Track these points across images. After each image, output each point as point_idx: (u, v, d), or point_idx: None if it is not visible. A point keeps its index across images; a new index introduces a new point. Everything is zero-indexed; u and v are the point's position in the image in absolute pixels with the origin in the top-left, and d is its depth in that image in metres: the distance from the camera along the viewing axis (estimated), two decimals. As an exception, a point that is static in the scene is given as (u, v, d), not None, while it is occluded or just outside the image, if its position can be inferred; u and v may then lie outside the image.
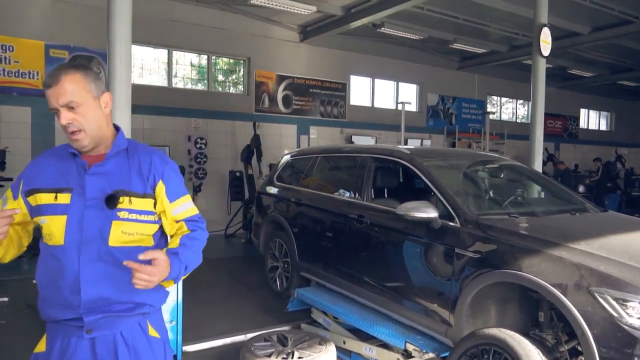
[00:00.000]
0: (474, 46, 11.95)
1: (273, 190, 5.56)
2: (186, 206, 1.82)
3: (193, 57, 10.38)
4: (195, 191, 8.52)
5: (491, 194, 4.12)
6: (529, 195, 4.44)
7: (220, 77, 10.89)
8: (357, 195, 4.24)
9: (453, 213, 3.30)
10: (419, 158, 3.92)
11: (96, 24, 8.53)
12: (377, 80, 12.81)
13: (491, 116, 13.06)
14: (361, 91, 12.58)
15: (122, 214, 1.66)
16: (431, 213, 3.29)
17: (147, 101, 9.06)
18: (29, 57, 8.09)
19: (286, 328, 4.41)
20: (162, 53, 9.86)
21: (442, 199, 3.44)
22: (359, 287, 3.99)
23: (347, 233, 4.16)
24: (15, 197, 1.73)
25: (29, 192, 1.70)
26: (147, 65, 9.83)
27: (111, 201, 1.65)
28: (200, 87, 10.44)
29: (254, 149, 9.30)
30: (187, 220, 1.81)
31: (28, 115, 8.16)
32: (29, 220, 1.75)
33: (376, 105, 12.81)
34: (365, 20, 9.57)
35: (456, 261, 3.12)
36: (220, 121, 10.01)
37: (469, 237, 3.12)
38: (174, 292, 3.60)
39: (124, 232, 1.67)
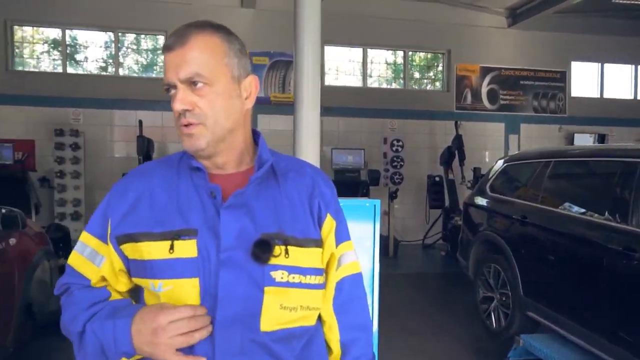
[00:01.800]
0: None
1: (485, 202, 4.55)
2: (350, 256, 1.13)
3: (388, 55, 9.85)
4: (391, 198, 7.91)
5: None
6: None
7: (417, 75, 10.14)
8: (618, 217, 3.02)
9: None
10: None
11: (289, 27, 8.60)
12: (606, 65, 10.53)
13: None
14: (585, 80, 10.47)
15: (278, 276, 0.98)
16: None
17: (341, 102, 8.82)
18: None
19: (508, 384, 3.42)
20: (357, 52, 9.54)
21: None
22: (626, 351, 2.78)
23: (605, 270, 2.97)
24: (104, 240, 1.07)
25: (122, 239, 1.03)
26: (342, 67, 9.63)
27: (263, 251, 0.97)
28: (395, 86, 9.86)
29: (455, 151, 8.31)
30: (346, 300, 1.12)
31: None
32: (125, 280, 1.09)
33: (606, 95, 10.54)
34: (596, -9, 7.79)
35: None
36: (417, 121, 9.27)
37: None
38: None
39: (284, 306, 0.99)
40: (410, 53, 9.84)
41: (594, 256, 3.06)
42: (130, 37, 8.91)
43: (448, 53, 9.67)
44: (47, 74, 8.39)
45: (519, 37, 9.81)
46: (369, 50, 9.55)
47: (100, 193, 7.83)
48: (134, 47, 9.04)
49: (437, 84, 10.01)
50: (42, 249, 3.51)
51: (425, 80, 10.18)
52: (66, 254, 6.15)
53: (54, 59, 8.59)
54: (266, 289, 0.97)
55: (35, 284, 3.51)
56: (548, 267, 3.55)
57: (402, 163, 8.05)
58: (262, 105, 8.42)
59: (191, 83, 0.99)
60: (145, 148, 6.92)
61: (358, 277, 1.15)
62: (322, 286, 1.06)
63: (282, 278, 0.99)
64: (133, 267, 1.04)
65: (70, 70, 8.58)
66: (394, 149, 8.04)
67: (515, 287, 3.85)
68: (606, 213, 3.12)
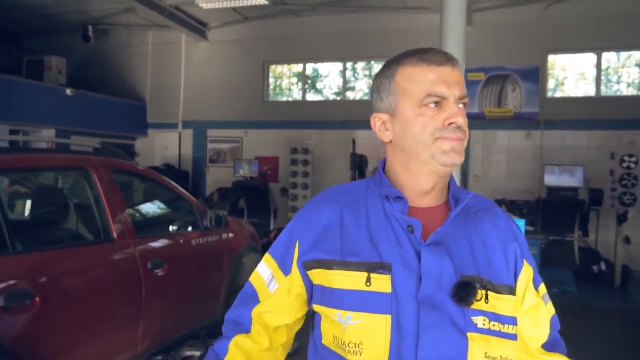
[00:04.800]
0: None
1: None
2: (548, 298, 1.08)
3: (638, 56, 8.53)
4: (619, 221, 6.88)
5: None
6: None
7: None
8: None
9: None
10: None
11: (507, 40, 8.34)
12: None
13: None
14: None
15: (479, 322, 0.93)
16: None
17: (567, 115, 8.11)
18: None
19: None
20: (591, 58, 8.58)
21: None
22: None
23: None
24: (286, 271, 1.05)
25: (312, 264, 1.01)
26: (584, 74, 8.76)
27: (468, 294, 0.93)
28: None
29: None
30: (555, 340, 1.07)
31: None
32: (298, 305, 1.06)
33: None
34: None
35: None
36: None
37: None
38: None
39: (489, 355, 0.93)
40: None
41: None
42: (360, 65, 10.03)
43: None
44: (290, 102, 10.16)
45: None
46: (604, 54, 8.49)
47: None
48: (365, 72, 10.11)
49: None
50: (249, 244, 4.52)
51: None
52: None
53: (298, 89, 10.32)
54: (469, 334, 0.92)
55: (247, 272, 4.55)
56: None
57: (634, 182, 6.95)
58: (476, 121, 8.39)
59: (459, 102, 0.98)
60: (357, 164, 7.76)
61: (556, 318, 1.09)
62: (516, 337, 0.98)
63: (483, 324, 0.93)
64: (318, 294, 1.00)
65: (309, 97, 10.18)
66: (624, 165, 7.00)
67: None
68: None
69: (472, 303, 0.92)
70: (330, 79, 10.16)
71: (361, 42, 9.23)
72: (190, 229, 3.83)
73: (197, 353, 3.51)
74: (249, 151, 9.86)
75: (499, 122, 8.52)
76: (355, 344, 0.94)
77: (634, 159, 7.00)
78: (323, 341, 1.00)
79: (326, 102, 9.98)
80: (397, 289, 0.93)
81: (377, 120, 1.06)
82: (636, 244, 7.48)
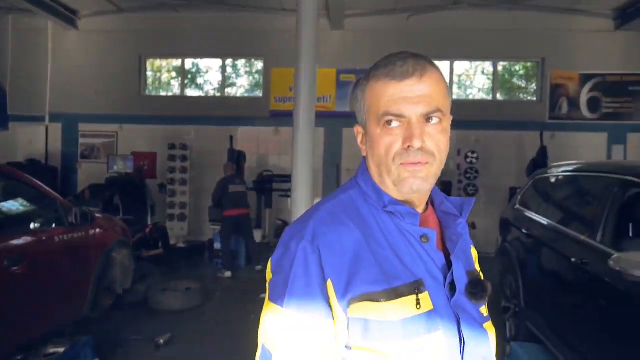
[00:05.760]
0: None
1: (511, 215, 4.62)
2: None
3: (487, 66, 9.78)
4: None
5: None
6: None
7: (522, 84, 9.93)
8: (592, 233, 3.06)
9: None
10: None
11: (374, 44, 9.11)
12: None
13: None
14: None
15: (484, 311, 0.98)
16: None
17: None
18: (322, 84, 9.22)
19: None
20: (445, 65, 9.68)
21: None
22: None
23: (576, 284, 3.05)
24: (326, 313, 0.87)
25: (357, 299, 0.87)
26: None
27: (483, 291, 0.95)
28: (490, 97, 9.78)
29: (540, 163, 8.05)
30: None
31: (322, 135, 9.29)
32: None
33: None
34: None
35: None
36: (506, 133, 9.10)
37: None
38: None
39: (495, 338, 0.99)
40: (503, 64, 9.70)
41: (570, 269, 3.13)
42: (241, 62, 10.20)
43: (542, 61, 9.34)
44: (168, 97, 10.04)
45: (630, 40, 9.09)
46: (456, 62, 9.63)
47: (203, 198, 9.15)
48: (246, 69, 10.30)
49: (527, 93, 9.72)
50: (119, 239, 4.56)
51: (517, 90, 9.93)
52: (165, 248, 7.40)
53: (178, 84, 10.23)
54: (484, 325, 0.95)
55: (117, 267, 4.58)
56: (541, 280, 3.62)
57: (476, 175, 8.04)
58: (350, 119, 9.00)
59: (427, 119, 0.90)
60: (235, 160, 7.98)
61: None
62: None
63: (486, 313, 0.98)
64: (358, 330, 0.86)
65: (189, 93, 10.14)
66: (468, 160, 8.08)
67: (519, 299, 3.94)
68: (587, 228, 3.17)
69: (486, 298, 0.95)
70: (211, 75, 10.22)
71: (241, 40, 9.44)
72: (53, 225, 3.81)
73: (61, 349, 3.51)
74: (124, 147, 9.58)
75: (368, 121, 9.25)
76: None
77: (475, 155, 8.09)
78: None
79: (206, 98, 10.03)
80: (434, 302, 0.89)
81: (358, 133, 1.00)
82: (481, 229, 8.64)
